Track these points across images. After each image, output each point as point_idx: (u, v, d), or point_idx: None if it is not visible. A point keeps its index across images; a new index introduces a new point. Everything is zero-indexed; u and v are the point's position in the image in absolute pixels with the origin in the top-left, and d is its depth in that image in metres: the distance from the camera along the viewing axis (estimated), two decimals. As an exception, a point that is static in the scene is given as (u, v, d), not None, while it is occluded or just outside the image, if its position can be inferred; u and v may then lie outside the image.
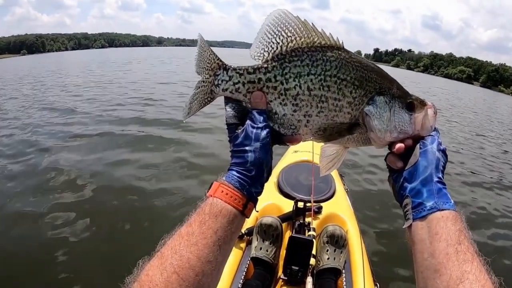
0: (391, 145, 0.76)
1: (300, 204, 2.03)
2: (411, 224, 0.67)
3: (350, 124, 0.77)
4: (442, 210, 0.64)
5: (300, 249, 1.70)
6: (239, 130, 0.72)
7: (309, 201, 2.06)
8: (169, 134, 6.86)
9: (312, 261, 1.76)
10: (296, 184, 2.41)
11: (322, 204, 2.20)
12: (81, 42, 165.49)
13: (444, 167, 0.71)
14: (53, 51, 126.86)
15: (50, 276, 2.83)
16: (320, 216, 2.14)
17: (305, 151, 2.87)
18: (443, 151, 0.72)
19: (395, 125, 0.74)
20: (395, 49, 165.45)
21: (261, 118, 0.73)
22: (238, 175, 0.68)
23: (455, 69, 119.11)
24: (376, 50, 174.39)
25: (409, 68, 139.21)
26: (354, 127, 0.77)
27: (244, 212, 0.68)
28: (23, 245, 3.23)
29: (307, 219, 1.98)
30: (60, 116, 8.36)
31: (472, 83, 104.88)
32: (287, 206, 2.15)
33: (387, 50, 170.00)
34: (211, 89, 0.79)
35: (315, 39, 0.74)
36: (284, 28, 0.74)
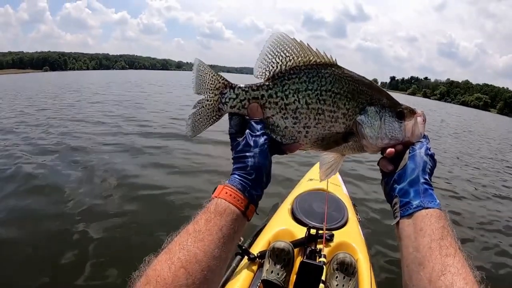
0: (383, 151, 0.82)
1: (313, 231, 2.06)
2: (398, 222, 0.73)
3: (345, 133, 0.83)
4: (427, 208, 0.69)
5: (310, 275, 1.71)
6: (240, 139, 0.79)
7: (322, 229, 2.08)
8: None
9: (322, 287, 1.75)
10: (309, 212, 2.43)
11: (334, 232, 2.22)
12: (102, 62, 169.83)
13: (431, 170, 0.77)
14: (75, 70, 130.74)
15: (58, 271, 2.97)
16: (332, 244, 2.15)
17: (319, 179, 2.92)
18: (431, 156, 0.78)
19: (386, 133, 0.80)
20: (411, 77, 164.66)
21: (259, 126, 0.79)
22: (239, 178, 0.74)
23: (471, 96, 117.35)
24: (393, 78, 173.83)
25: (425, 96, 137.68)
26: (349, 136, 0.83)
27: (246, 213, 0.72)
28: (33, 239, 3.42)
29: (319, 246, 2.00)
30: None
31: (489, 110, 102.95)
32: (300, 232, 2.18)
33: (403, 78, 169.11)
34: (219, 107, 0.85)
35: (311, 58, 0.81)
36: (283, 49, 0.81)
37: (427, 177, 0.74)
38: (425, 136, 0.81)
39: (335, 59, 0.81)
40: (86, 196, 4.45)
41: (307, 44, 0.81)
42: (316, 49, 0.81)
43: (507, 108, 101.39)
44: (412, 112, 0.81)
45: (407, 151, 0.79)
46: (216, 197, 0.72)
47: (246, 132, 0.79)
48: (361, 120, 0.81)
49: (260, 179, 0.76)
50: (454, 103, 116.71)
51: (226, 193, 0.72)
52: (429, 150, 0.78)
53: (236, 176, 0.75)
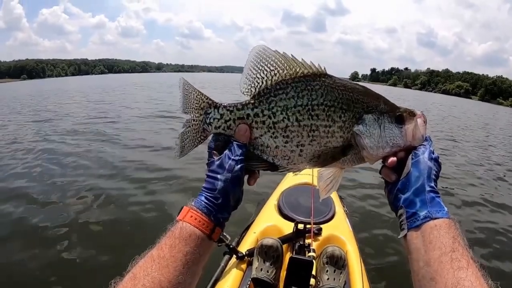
0: (384, 158, 0.77)
1: (300, 226, 2.05)
2: (406, 234, 0.69)
3: (343, 147, 0.78)
4: (435, 218, 0.65)
5: (300, 270, 1.70)
6: (216, 157, 0.75)
7: (309, 223, 2.08)
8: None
9: (312, 281, 1.75)
10: (296, 206, 2.42)
11: (322, 226, 2.21)
12: (81, 68, 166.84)
13: (437, 176, 0.72)
14: (53, 77, 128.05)
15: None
16: (320, 238, 2.15)
17: (305, 173, 2.90)
18: (436, 160, 0.73)
19: (387, 141, 0.75)
20: (392, 68, 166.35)
21: (240, 151, 0.75)
22: (206, 201, 0.72)
23: (452, 84, 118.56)
24: (373, 70, 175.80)
25: (406, 86, 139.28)
26: (347, 148, 0.78)
27: (212, 236, 0.71)
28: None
29: (307, 241, 2.00)
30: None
31: (471, 98, 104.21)
32: (288, 228, 2.17)
33: (383, 70, 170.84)
34: (203, 128, 0.82)
35: (297, 69, 0.76)
36: (266, 63, 0.76)
37: (432, 184, 0.70)
38: (427, 139, 0.77)
39: (324, 68, 0.76)
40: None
41: (291, 55, 0.76)
42: (302, 59, 0.76)
43: (488, 95, 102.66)
44: (411, 114, 0.77)
45: (410, 157, 0.74)
46: (181, 220, 0.70)
47: (224, 152, 0.76)
48: (359, 130, 0.76)
49: (226, 204, 0.73)
50: (435, 92, 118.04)
51: (191, 216, 0.70)
52: (433, 154, 0.74)
53: (203, 198, 0.72)
